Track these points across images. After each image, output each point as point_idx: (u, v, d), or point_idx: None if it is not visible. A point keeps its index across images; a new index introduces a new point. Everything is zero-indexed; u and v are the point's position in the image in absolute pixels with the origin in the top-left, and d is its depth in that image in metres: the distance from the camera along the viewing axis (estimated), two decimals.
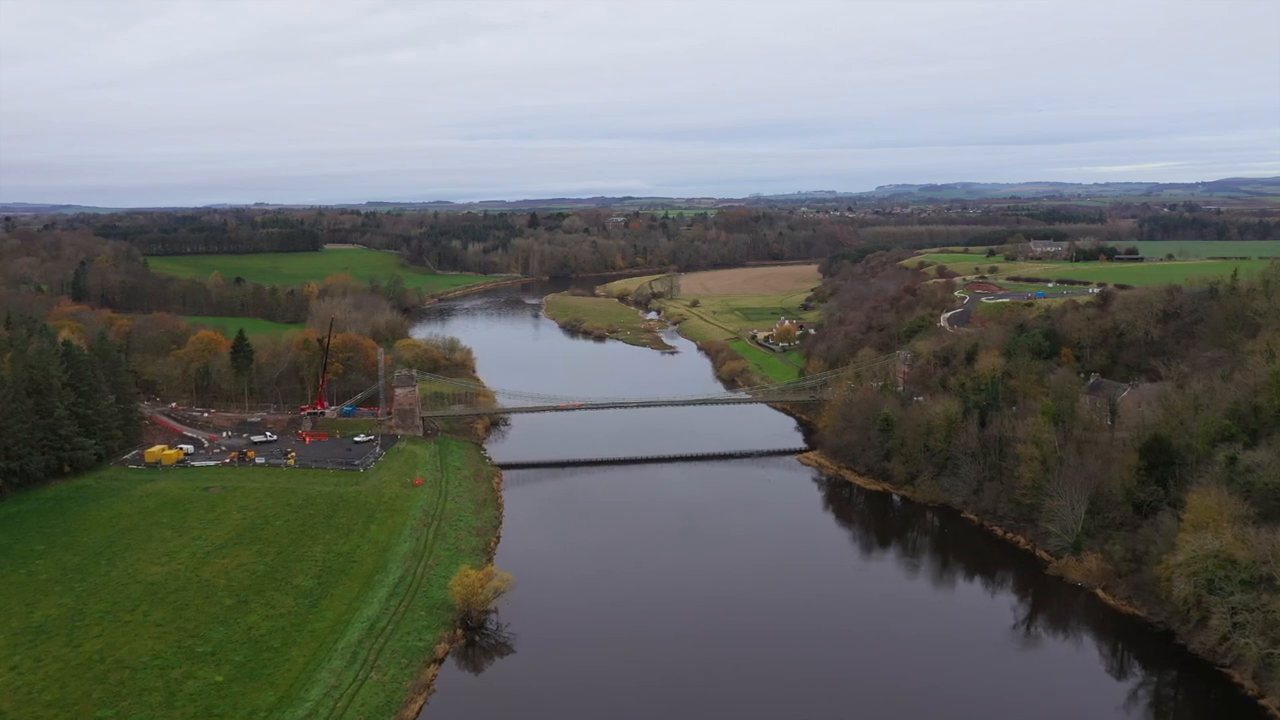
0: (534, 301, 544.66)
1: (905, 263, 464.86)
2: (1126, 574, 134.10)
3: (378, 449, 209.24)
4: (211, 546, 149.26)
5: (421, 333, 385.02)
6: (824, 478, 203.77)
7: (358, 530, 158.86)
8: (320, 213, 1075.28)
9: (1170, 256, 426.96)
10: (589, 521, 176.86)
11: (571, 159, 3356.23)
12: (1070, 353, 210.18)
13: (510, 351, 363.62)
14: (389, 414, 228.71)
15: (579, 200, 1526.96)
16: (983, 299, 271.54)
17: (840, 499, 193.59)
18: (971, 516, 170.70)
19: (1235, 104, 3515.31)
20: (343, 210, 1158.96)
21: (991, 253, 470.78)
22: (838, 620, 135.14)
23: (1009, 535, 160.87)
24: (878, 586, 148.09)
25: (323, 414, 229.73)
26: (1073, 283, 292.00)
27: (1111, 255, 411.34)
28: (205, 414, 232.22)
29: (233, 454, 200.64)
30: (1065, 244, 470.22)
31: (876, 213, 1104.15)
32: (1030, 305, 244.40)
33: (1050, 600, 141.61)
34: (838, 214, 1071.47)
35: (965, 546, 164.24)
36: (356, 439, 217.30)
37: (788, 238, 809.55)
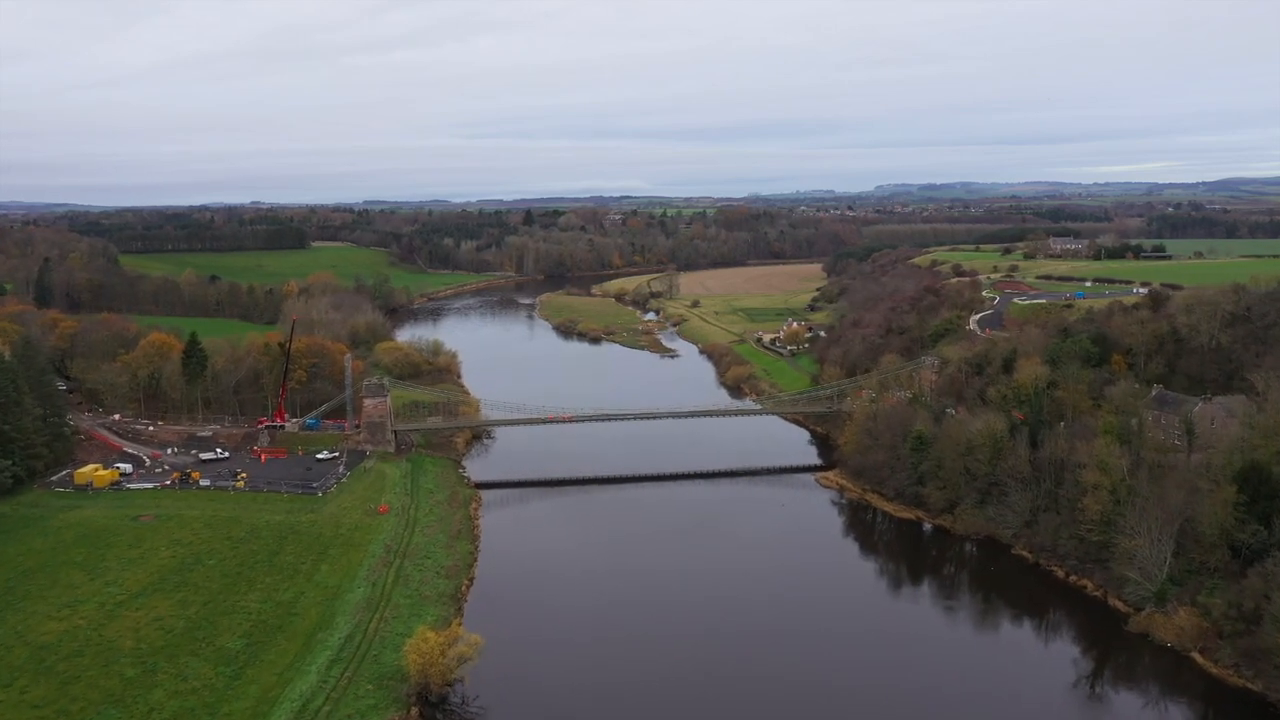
0: (528, 301, 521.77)
1: (916, 261, 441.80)
2: (1231, 635, 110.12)
3: (341, 468, 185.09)
4: (126, 594, 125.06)
5: (406, 334, 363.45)
6: (846, 501, 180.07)
7: (305, 572, 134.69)
8: (312, 210, 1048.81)
9: (1199, 254, 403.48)
10: (577, 557, 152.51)
11: (570, 158, 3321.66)
12: (1122, 360, 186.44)
13: (500, 355, 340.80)
14: (357, 427, 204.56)
15: (577, 199, 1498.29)
16: (1015, 299, 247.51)
17: (867, 527, 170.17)
18: (1024, 553, 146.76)
19: (1235, 104, 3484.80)
20: (336, 208, 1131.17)
21: (1008, 250, 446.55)
22: (867, 671, 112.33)
23: (1073, 578, 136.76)
24: (919, 636, 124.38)
25: (282, 427, 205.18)
26: (1111, 281, 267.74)
27: (1138, 253, 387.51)
28: (150, 427, 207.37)
29: (175, 474, 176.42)
30: (1086, 242, 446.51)
31: (878, 211, 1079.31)
32: (1070, 306, 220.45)
33: (1129, 660, 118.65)
34: (838, 212, 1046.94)
35: (1017, 588, 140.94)
36: (319, 456, 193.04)
37: (789, 236, 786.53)
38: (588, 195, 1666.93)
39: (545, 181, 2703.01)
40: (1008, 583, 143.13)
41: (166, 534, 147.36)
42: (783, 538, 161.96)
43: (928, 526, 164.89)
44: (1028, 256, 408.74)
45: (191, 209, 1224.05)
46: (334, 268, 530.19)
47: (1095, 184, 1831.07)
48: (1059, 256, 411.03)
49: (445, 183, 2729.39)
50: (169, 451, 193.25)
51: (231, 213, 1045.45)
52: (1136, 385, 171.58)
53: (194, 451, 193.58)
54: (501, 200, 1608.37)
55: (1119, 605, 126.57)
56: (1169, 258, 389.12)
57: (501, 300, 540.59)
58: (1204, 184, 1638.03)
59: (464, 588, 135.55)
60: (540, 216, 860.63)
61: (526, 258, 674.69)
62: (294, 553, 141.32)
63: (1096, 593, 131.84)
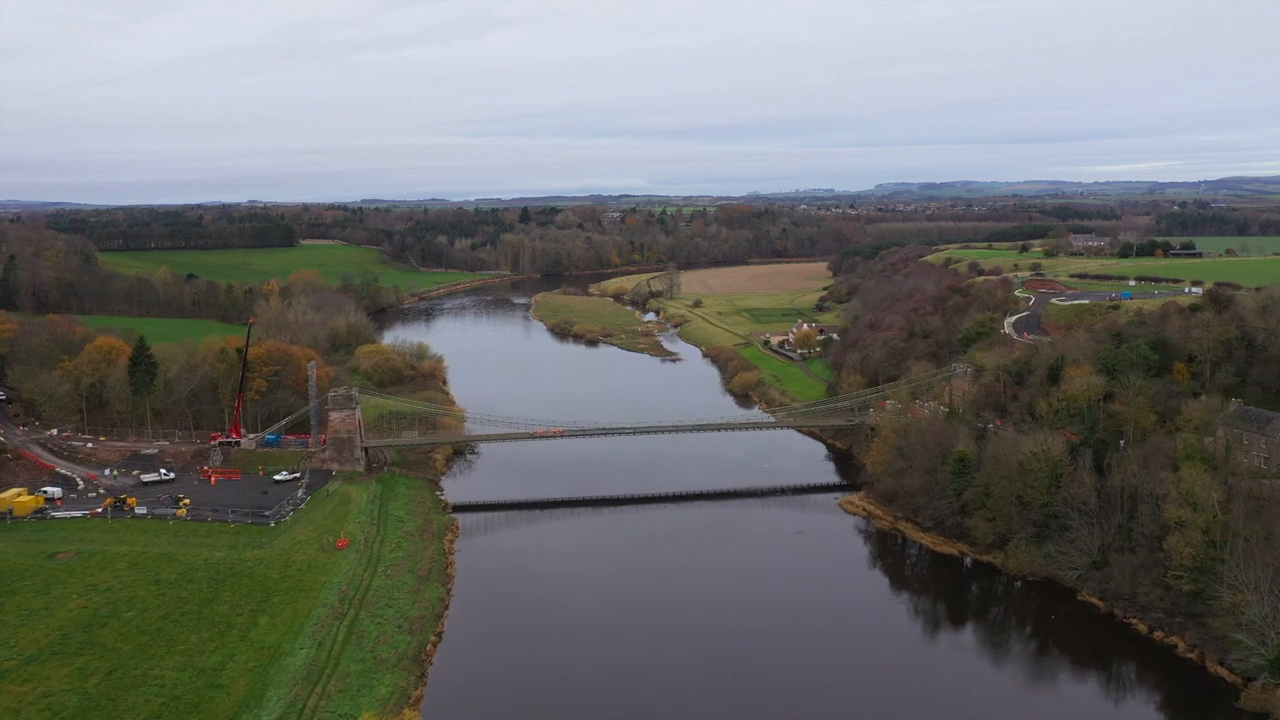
0: (523, 301, 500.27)
1: (930, 259, 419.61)
2: None
3: (300, 492, 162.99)
4: (16, 660, 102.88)
5: (393, 336, 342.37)
6: (874, 530, 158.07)
7: (239, 627, 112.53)
8: (305, 208, 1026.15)
9: (1230, 252, 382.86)
10: (564, 603, 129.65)
11: (569, 157, 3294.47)
12: (1185, 369, 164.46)
13: (490, 358, 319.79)
14: (322, 444, 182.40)
15: (576, 198, 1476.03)
16: (1052, 300, 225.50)
17: (900, 560, 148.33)
18: (1094, 600, 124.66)
19: (1235, 104, 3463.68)
20: (330, 206, 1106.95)
21: (1025, 248, 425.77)
22: None
23: (1159, 635, 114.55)
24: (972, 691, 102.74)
25: (237, 444, 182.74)
26: (1158, 280, 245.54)
27: (1167, 250, 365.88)
28: (90, 444, 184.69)
29: (108, 500, 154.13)
30: (1108, 239, 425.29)
31: (880, 209, 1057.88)
32: (1117, 308, 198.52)
33: None
34: (839, 211, 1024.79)
35: (1085, 640, 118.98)
36: (277, 477, 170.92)
37: (791, 234, 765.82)
38: (586, 194, 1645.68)
39: (544, 180, 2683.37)
40: (1073, 634, 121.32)
41: (84, 577, 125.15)
42: (802, 570, 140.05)
43: (968, 561, 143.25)
44: (1048, 254, 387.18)
45: (186, 207, 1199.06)
46: (322, 266, 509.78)
47: (1096, 183, 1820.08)
48: (1081, 254, 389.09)
49: (444, 181, 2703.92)
50: (107, 472, 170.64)
51: (223, 211, 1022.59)
52: (1212, 399, 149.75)
53: (135, 472, 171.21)
54: (499, 199, 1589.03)
55: (1221, 672, 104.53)
56: (1200, 255, 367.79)
57: (495, 300, 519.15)
58: (1205, 183, 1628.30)
59: (430, 647, 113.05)
60: (537, 214, 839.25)
61: (522, 256, 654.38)
62: (230, 601, 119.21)
63: (1190, 654, 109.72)
